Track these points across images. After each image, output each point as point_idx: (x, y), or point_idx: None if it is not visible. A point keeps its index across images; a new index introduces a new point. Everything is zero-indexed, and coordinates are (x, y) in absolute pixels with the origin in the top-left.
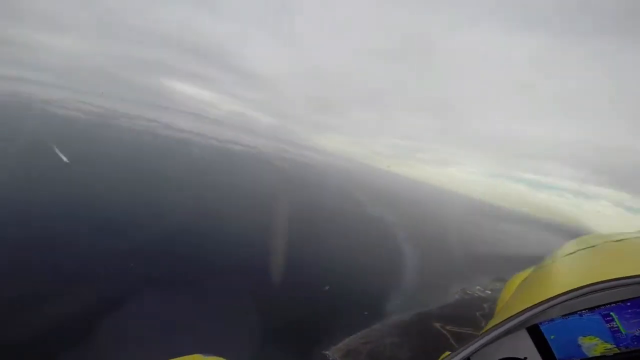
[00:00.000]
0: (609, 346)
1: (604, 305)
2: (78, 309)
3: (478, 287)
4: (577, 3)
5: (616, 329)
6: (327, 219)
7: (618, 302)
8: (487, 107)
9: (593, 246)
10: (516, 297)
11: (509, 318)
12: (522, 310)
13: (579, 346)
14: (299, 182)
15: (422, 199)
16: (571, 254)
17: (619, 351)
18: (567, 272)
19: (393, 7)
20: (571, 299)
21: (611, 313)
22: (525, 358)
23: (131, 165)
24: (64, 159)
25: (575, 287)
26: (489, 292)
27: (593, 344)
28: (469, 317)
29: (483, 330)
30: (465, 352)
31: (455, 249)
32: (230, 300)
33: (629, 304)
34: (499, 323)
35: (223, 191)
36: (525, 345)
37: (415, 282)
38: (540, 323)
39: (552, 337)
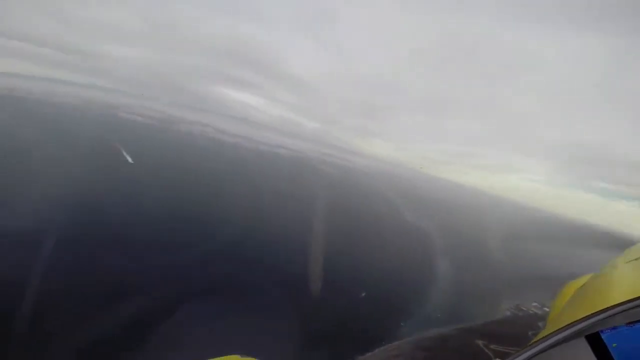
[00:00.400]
0: None
1: None
2: (134, 309)
3: (535, 304)
4: None
5: None
6: (369, 224)
7: None
8: (550, 110)
9: None
10: (573, 305)
11: (566, 326)
12: (581, 318)
13: None
14: (343, 187)
15: (473, 207)
16: (634, 260)
17: None
18: (630, 279)
19: (441, 10)
20: (636, 306)
21: None
22: None
23: (188, 167)
24: (129, 159)
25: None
26: (547, 309)
27: None
28: (518, 336)
29: (535, 339)
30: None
31: (511, 262)
32: (267, 303)
33: None
34: (554, 331)
35: (271, 195)
36: (584, 353)
37: (459, 294)
38: (601, 331)
39: (614, 345)
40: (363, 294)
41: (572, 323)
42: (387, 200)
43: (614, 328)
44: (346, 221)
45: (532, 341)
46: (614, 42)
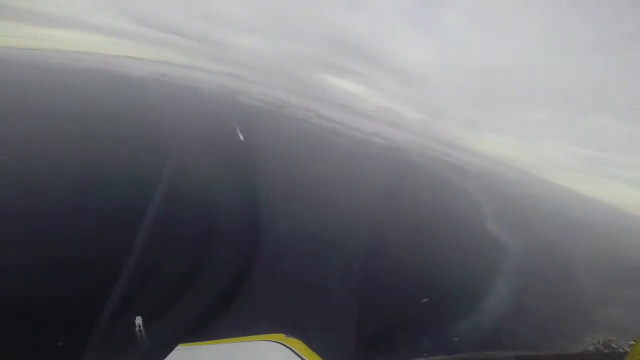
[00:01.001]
0: None
1: None
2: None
3: (632, 342)
4: None
5: None
6: (450, 226)
7: None
8: None
9: None
10: None
11: None
12: None
13: None
14: (433, 182)
15: (588, 223)
16: None
17: None
18: None
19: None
20: None
21: None
22: None
23: (286, 147)
24: (241, 137)
25: None
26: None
27: None
28: None
29: None
30: None
31: (612, 292)
32: (329, 297)
33: None
34: None
35: (346, 181)
36: None
37: (534, 319)
38: None
39: None
40: (425, 300)
41: None
42: (471, 203)
43: None
44: (421, 219)
45: None
46: None
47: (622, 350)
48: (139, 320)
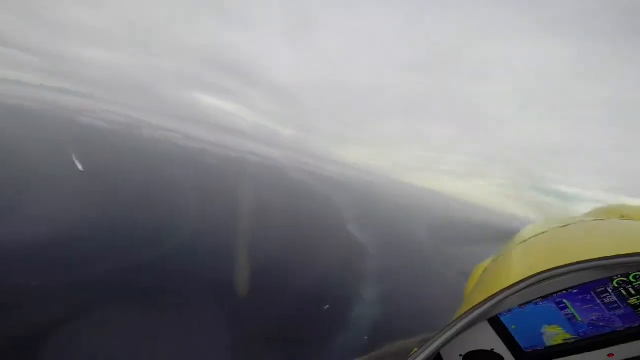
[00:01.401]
0: (569, 334)
1: (556, 292)
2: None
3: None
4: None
5: (571, 315)
6: (317, 234)
7: (569, 288)
8: (515, 117)
9: (542, 233)
10: (477, 288)
11: (470, 310)
12: (482, 302)
13: (542, 334)
14: (305, 194)
15: (431, 213)
16: (524, 241)
17: (579, 337)
18: (520, 261)
19: (416, 19)
20: (525, 287)
21: (564, 300)
22: (492, 349)
23: (141, 174)
24: (79, 167)
25: (528, 275)
26: None
27: (555, 333)
28: None
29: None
30: (433, 346)
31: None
32: (216, 318)
33: (578, 289)
34: (462, 315)
35: (221, 201)
36: (489, 336)
37: (418, 305)
38: (500, 314)
39: (513, 327)
40: (327, 307)
41: (475, 306)
42: (337, 209)
43: (510, 310)
44: (303, 228)
45: (449, 323)
46: (572, 50)
47: None
48: None
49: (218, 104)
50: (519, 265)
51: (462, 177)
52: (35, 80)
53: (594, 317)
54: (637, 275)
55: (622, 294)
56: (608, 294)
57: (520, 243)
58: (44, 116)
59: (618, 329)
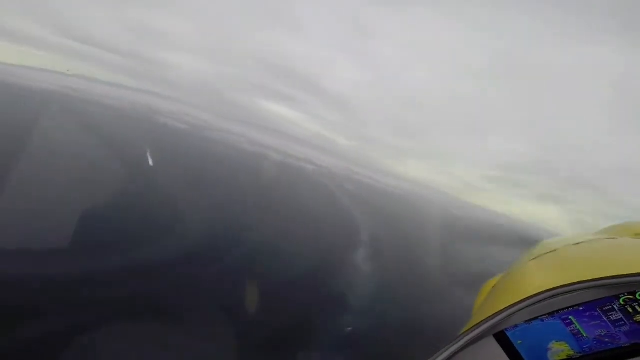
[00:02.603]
0: (573, 351)
1: (563, 309)
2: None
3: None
4: None
5: (577, 332)
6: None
7: (575, 306)
8: (607, 135)
9: (554, 250)
10: (486, 303)
11: (477, 325)
12: (489, 317)
13: (548, 350)
14: (360, 205)
15: (495, 238)
16: (534, 258)
17: (584, 353)
18: (529, 278)
19: (481, 24)
20: (533, 304)
21: (570, 317)
22: None
23: (203, 174)
24: (150, 162)
25: (536, 292)
26: None
27: (560, 349)
28: None
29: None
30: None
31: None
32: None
33: (585, 307)
34: (468, 330)
35: (270, 206)
36: (495, 351)
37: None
38: (506, 329)
39: (519, 342)
40: (349, 329)
41: (482, 321)
42: (389, 222)
43: (516, 326)
44: (340, 241)
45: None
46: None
47: None
48: None
49: (281, 111)
50: (528, 282)
51: (536, 199)
52: (125, 81)
53: (599, 334)
54: None
55: (628, 311)
56: (614, 312)
57: (532, 260)
58: (130, 114)
59: (623, 345)
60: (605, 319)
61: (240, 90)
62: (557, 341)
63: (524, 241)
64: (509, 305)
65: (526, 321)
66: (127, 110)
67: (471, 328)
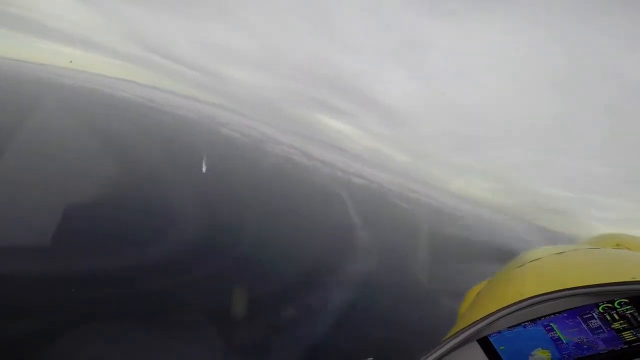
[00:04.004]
0: (554, 358)
1: (545, 316)
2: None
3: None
4: None
5: (557, 338)
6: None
7: (556, 313)
8: None
9: (537, 259)
10: (470, 309)
11: (461, 330)
12: (473, 323)
13: (530, 356)
14: (409, 223)
15: None
16: (519, 266)
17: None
18: (513, 285)
19: (547, 36)
20: (515, 311)
21: (551, 324)
22: None
23: (252, 184)
24: (203, 169)
25: (520, 299)
26: None
27: (542, 357)
28: None
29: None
30: None
31: None
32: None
33: (565, 314)
34: (453, 335)
35: (313, 218)
36: (478, 356)
37: None
38: (489, 335)
39: (502, 348)
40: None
41: (464, 328)
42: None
43: (499, 332)
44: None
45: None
46: None
47: None
48: None
49: (337, 125)
50: (512, 289)
51: (623, 225)
52: (194, 93)
53: (578, 340)
54: (621, 302)
55: (607, 319)
56: (594, 319)
57: (516, 267)
58: (196, 125)
59: (601, 352)
60: (584, 326)
61: (298, 104)
62: (542, 349)
63: None
64: (493, 312)
65: (509, 327)
66: (193, 120)
67: (455, 333)
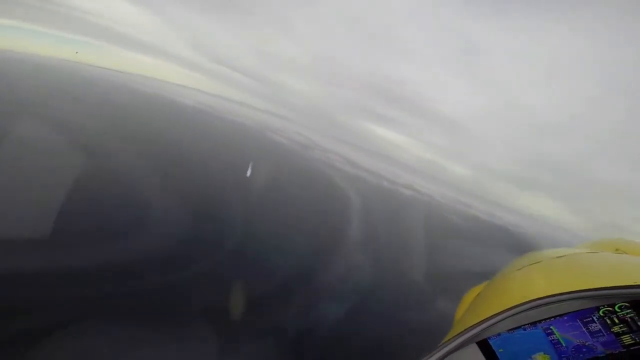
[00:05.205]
0: None
1: (545, 319)
2: None
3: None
4: None
5: (557, 341)
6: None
7: (556, 316)
8: None
9: (538, 262)
10: (469, 311)
11: (461, 332)
12: (473, 325)
13: (529, 359)
14: (458, 243)
15: None
16: (519, 269)
17: None
18: (513, 288)
19: (616, 34)
20: (516, 313)
21: (551, 327)
22: None
23: (292, 189)
24: (248, 173)
25: (520, 302)
26: None
27: None
28: None
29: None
30: None
31: None
32: None
33: (565, 317)
34: (452, 337)
35: (351, 228)
36: (477, 359)
37: None
38: (489, 337)
39: (501, 350)
40: None
41: (464, 330)
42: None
43: (499, 334)
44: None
45: (439, 345)
46: None
47: None
48: None
49: (386, 134)
50: (512, 292)
51: None
52: (248, 99)
53: (578, 343)
54: (622, 305)
55: (607, 322)
56: (594, 323)
57: (516, 270)
58: (247, 130)
59: (599, 355)
60: (584, 329)
61: (350, 113)
62: (540, 354)
63: None
64: (493, 314)
65: (509, 330)
66: (245, 126)
67: (455, 336)
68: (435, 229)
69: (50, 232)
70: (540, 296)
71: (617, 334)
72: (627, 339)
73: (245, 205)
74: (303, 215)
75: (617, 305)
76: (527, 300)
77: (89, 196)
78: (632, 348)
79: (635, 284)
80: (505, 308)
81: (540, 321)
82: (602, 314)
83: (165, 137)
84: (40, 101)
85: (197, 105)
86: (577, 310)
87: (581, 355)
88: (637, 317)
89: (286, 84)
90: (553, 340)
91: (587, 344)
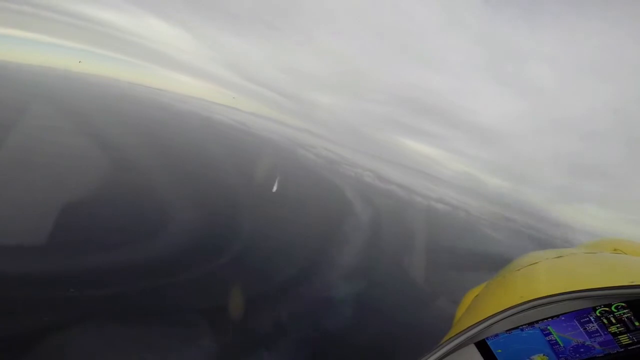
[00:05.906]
0: None
1: (542, 319)
2: None
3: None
4: None
5: (554, 341)
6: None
7: (554, 316)
8: None
9: (536, 263)
10: (468, 312)
11: (459, 333)
12: (471, 325)
13: (527, 359)
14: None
15: None
16: (517, 270)
17: None
18: (512, 288)
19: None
20: (514, 314)
21: (549, 327)
22: None
23: (317, 205)
24: (275, 188)
25: (518, 302)
26: None
27: None
28: None
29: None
30: None
31: None
32: None
33: (563, 318)
34: (450, 338)
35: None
36: (475, 359)
37: None
38: (487, 338)
39: (499, 351)
40: None
41: (462, 331)
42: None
43: (497, 335)
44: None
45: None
46: None
47: None
48: None
49: (420, 148)
50: (510, 292)
51: None
52: (279, 116)
53: (575, 344)
54: (618, 305)
55: (604, 322)
56: (591, 323)
57: (514, 271)
58: (277, 146)
59: (597, 355)
60: (582, 329)
61: (381, 127)
62: (537, 355)
63: None
64: (491, 315)
65: (507, 331)
66: (276, 142)
67: (453, 336)
68: (469, 244)
69: (71, 236)
70: (537, 297)
71: (614, 334)
72: (624, 339)
73: (265, 220)
74: (321, 227)
75: (613, 306)
76: (525, 300)
77: (120, 205)
78: (629, 348)
79: (630, 284)
80: (502, 309)
81: (537, 321)
82: (599, 314)
83: (198, 152)
84: (87, 115)
85: (231, 122)
86: (574, 311)
87: (579, 355)
88: (633, 317)
89: (316, 100)
90: (551, 340)
91: (585, 344)
